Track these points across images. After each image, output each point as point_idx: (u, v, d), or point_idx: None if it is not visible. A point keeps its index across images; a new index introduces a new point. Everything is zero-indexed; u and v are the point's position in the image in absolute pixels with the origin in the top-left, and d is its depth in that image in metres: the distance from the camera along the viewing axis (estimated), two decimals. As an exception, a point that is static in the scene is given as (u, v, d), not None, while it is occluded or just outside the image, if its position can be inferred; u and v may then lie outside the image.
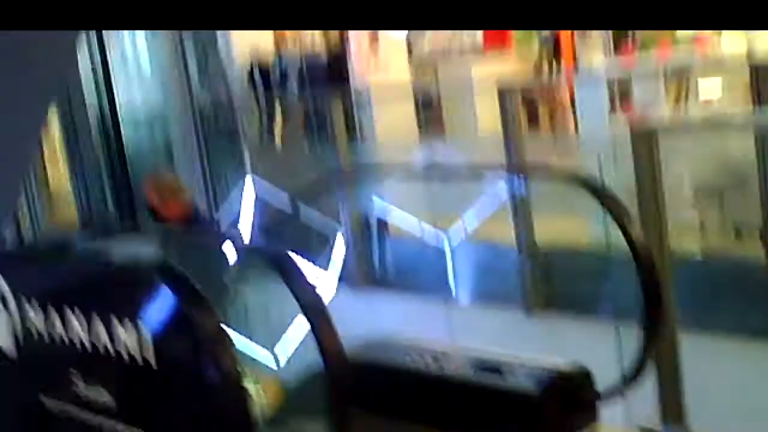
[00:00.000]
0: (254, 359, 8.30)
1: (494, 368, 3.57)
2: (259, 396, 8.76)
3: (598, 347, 6.20)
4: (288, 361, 7.66)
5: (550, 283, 7.08)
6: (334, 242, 8.33)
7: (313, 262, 8.40)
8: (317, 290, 2.64)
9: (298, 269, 2.66)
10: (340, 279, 8.37)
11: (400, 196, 8.16)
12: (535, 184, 6.85)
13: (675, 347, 3.67)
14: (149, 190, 6.05)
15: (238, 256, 4.53)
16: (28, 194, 11.18)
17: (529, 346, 6.87)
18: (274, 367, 7.83)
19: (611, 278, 6.12)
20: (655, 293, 3.23)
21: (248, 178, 8.64)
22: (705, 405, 3.83)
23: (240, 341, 8.39)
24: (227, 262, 6.11)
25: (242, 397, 2.44)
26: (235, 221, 8.67)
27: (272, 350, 7.76)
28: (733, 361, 5.47)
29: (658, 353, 3.31)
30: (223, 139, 9.88)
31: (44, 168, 12.48)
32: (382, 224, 8.42)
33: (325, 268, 8.37)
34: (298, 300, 2.60)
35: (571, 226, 7.22)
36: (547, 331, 6.93)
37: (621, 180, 6.09)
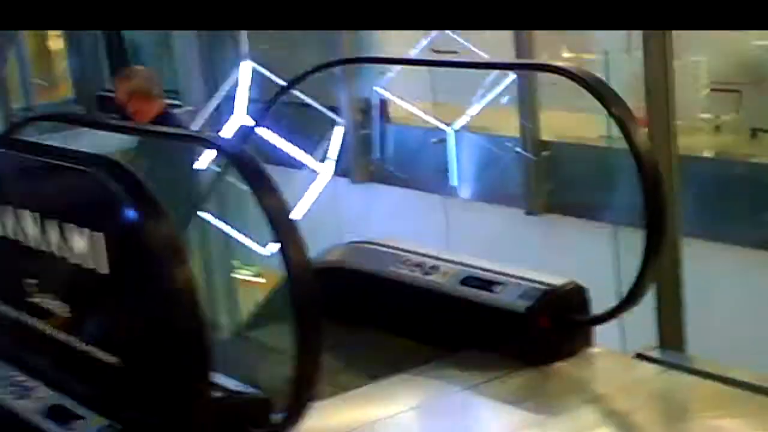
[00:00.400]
0: (255, 252, 8.13)
1: (482, 280, 3.33)
2: (257, 288, 8.63)
3: (600, 252, 5.98)
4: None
5: (555, 181, 6.81)
6: (332, 132, 8.03)
7: (311, 152, 8.14)
8: (284, 199, 2.39)
9: (265, 174, 2.40)
10: (338, 170, 8.12)
11: (402, 86, 7.84)
12: (542, 77, 6.54)
13: (677, 262, 3.41)
14: (119, 87, 5.73)
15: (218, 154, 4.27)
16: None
17: (528, 249, 6.67)
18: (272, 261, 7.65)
19: (620, 178, 5.86)
20: (658, 205, 2.95)
21: (244, 63, 8.28)
22: (708, 325, 3.61)
23: (237, 234, 8.22)
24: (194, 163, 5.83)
25: (194, 306, 2.21)
26: (223, 113, 8.39)
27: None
28: (742, 276, 5.23)
29: (659, 269, 3.05)
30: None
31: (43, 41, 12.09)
32: (383, 114, 8.11)
33: (323, 159, 8.10)
34: (263, 208, 2.36)
35: (581, 122, 6.92)
36: (547, 232, 6.69)
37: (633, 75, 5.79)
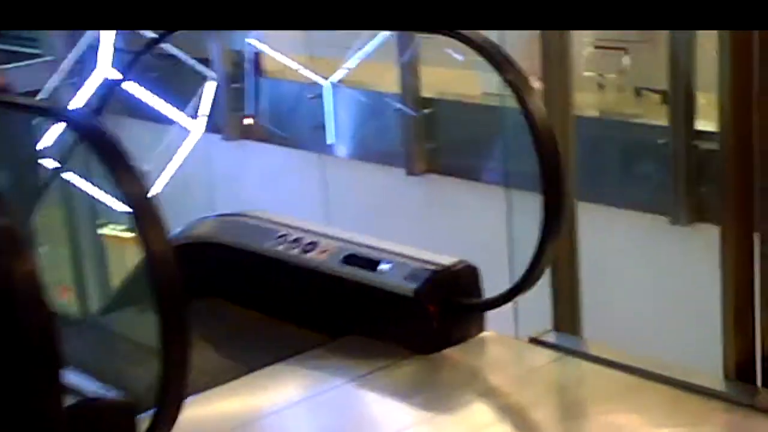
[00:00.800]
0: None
1: (365, 259, 3.13)
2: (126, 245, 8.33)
3: (487, 216, 5.85)
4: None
5: (437, 139, 6.63)
6: (203, 87, 7.69)
7: (181, 107, 7.80)
8: (142, 178, 2.15)
9: (120, 152, 2.16)
10: (210, 128, 7.79)
11: (276, 38, 7.54)
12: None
13: (573, 237, 3.26)
14: None
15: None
16: None
17: (409, 213, 6.51)
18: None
19: (507, 137, 5.74)
20: (556, 182, 2.77)
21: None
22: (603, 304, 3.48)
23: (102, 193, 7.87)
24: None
25: (38, 302, 1.96)
26: (86, 64, 7.95)
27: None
28: (634, 243, 5.14)
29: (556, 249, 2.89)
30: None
31: None
32: (257, 68, 7.80)
33: (194, 115, 7.75)
34: (117, 185, 2.12)
35: (465, 78, 6.76)
36: (430, 195, 6.53)
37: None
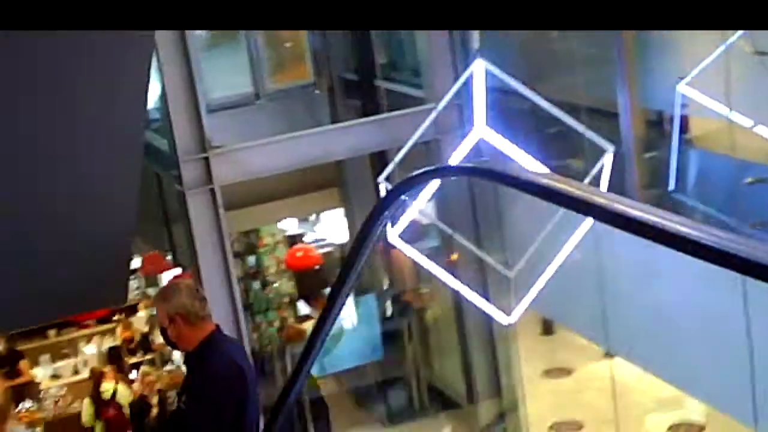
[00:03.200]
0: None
1: None
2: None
3: None
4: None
5: None
6: (604, 155, 5.87)
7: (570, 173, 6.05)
8: None
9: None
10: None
11: (708, 84, 5.57)
12: None
13: None
14: (158, 309, 4.62)
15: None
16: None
17: None
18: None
19: None
20: None
21: (477, 62, 6.08)
22: None
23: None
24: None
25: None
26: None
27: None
28: None
29: None
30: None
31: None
32: (683, 132, 5.85)
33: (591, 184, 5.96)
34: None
35: None
36: None
37: None
